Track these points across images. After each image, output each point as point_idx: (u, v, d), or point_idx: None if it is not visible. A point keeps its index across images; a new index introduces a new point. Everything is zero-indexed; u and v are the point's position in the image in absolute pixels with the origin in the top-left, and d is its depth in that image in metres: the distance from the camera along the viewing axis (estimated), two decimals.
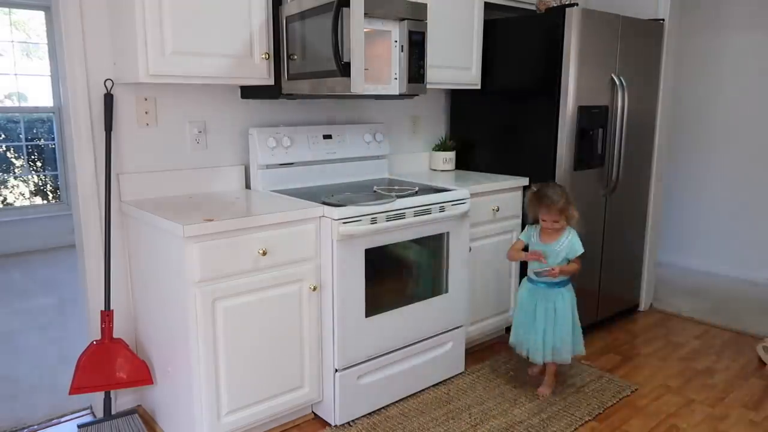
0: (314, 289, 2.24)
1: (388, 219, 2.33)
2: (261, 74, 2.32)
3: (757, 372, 2.89)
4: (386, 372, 2.49)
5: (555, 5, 3.14)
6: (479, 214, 2.80)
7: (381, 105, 3.14)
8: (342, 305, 2.27)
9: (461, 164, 3.39)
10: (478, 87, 3.16)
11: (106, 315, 2.26)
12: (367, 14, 2.19)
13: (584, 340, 2.60)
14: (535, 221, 2.56)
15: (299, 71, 2.29)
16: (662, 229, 3.97)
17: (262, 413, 2.20)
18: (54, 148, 5.48)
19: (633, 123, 3.22)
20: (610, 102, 3.07)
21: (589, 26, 2.85)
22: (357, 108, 3.04)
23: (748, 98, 4.20)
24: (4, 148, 5.34)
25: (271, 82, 2.36)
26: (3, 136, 5.30)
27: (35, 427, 2.42)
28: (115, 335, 2.30)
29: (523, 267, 2.76)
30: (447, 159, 3.31)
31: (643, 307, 3.69)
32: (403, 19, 2.42)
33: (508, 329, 3.16)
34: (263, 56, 2.30)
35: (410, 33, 2.44)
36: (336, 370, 2.32)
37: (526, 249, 2.59)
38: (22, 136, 5.35)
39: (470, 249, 2.74)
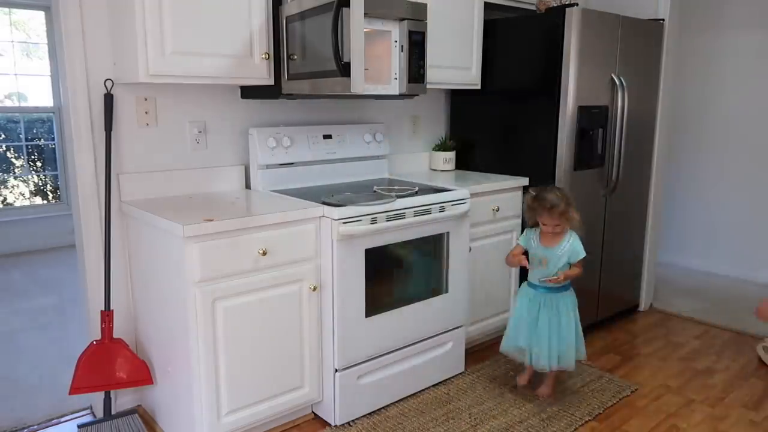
0: (314, 289, 2.24)
1: (388, 219, 2.33)
2: (261, 74, 2.32)
3: (757, 372, 2.89)
4: (386, 372, 2.49)
5: (555, 5, 3.14)
6: (479, 214, 2.80)
7: (381, 105, 3.14)
8: (342, 305, 2.27)
9: (461, 164, 3.39)
10: (478, 87, 3.16)
11: (106, 315, 2.26)
12: (367, 14, 2.19)
13: (584, 340, 2.59)
14: (534, 225, 2.51)
15: (299, 71, 2.29)
16: (662, 229, 3.97)
17: (262, 413, 2.20)
18: (54, 148, 5.48)
19: (633, 123, 3.22)
20: (610, 102, 3.07)
21: (589, 26, 2.85)
22: (357, 108, 3.04)
23: (748, 98, 4.20)
24: (4, 148, 5.34)
25: (271, 82, 2.36)
26: (3, 136, 5.30)
27: (35, 427, 2.42)
28: (115, 335, 2.30)
29: (523, 268, 2.73)
30: (447, 159, 3.31)
31: (643, 307, 3.69)
32: (403, 19, 2.42)
33: None
34: (263, 56, 2.30)
35: (410, 33, 2.44)
36: (336, 370, 2.32)
37: (525, 254, 2.53)
38: (22, 136, 5.35)
39: (470, 249, 2.74)
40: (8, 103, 5.32)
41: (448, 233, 2.60)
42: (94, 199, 2.28)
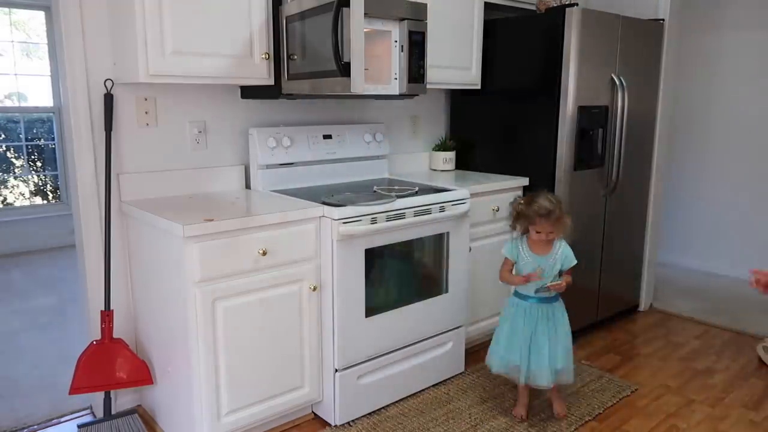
0: (314, 289, 2.24)
1: (388, 219, 2.33)
2: (261, 74, 2.32)
3: (757, 372, 2.89)
4: (386, 372, 2.49)
5: (555, 5, 3.14)
6: (479, 214, 2.80)
7: (381, 105, 3.14)
8: (342, 305, 2.27)
9: (461, 164, 3.39)
10: (478, 87, 3.16)
11: (106, 315, 2.26)
12: (367, 14, 2.19)
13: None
14: (523, 233, 2.37)
15: (299, 71, 2.29)
16: (662, 229, 3.97)
17: (262, 413, 2.20)
18: (54, 148, 5.48)
19: (633, 123, 3.22)
20: (610, 102, 3.07)
21: (589, 26, 2.85)
22: (357, 108, 3.04)
23: (748, 98, 4.20)
24: (4, 148, 5.34)
25: (271, 82, 2.36)
26: (3, 136, 5.30)
27: (35, 427, 2.42)
28: (115, 335, 2.30)
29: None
30: (447, 159, 3.31)
31: (643, 307, 3.69)
32: (403, 19, 2.42)
33: None
34: (263, 56, 2.30)
35: (410, 33, 2.44)
36: (336, 370, 2.32)
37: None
38: (22, 136, 5.35)
39: (470, 249, 2.74)
40: (8, 103, 5.32)
41: (448, 233, 2.60)
42: (94, 199, 2.28)
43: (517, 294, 2.39)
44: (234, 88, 2.58)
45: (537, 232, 2.30)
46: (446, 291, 2.64)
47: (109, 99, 2.24)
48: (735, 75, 4.26)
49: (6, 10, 5.11)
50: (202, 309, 1.98)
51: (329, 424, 2.39)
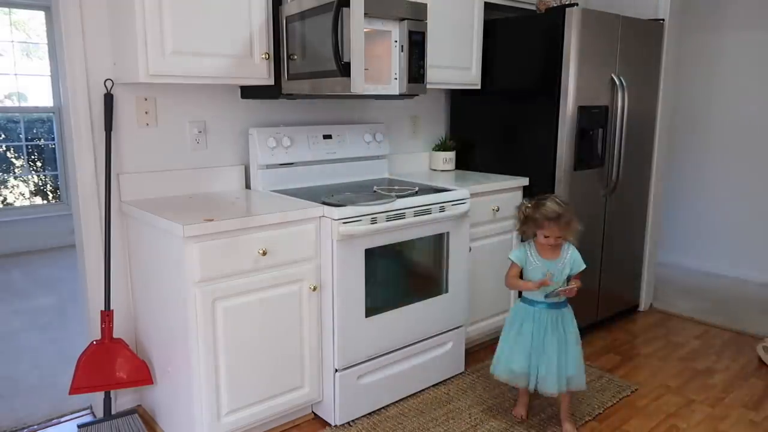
0: (314, 289, 2.24)
1: (388, 219, 2.33)
2: (261, 74, 2.32)
3: (757, 372, 2.89)
4: (386, 372, 2.49)
5: (555, 5, 3.14)
6: (479, 214, 2.80)
7: (381, 105, 3.14)
8: (342, 305, 2.27)
9: (461, 164, 3.39)
10: (478, 87, 3.16)
11: (106, 315, 2.26)
12: (367, 14, 2.19)
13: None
14: (527, 238, 2.32)
15: (299, 71, 2.29)
16: (662, 229, 3.97)
17: (262, 413, 2.20)
18: (54, 148, 5.48)
19: (633, 123, 3.22)
20: (610, 102, 3.07)
21: (589, 26, 2.85)
22: (357, 108, 3.04)
23: (748, 98, 4.21)
24: (4, 148, 5.34)
25: (271, 82, 2.36)
26: (3, 136, 5.30)
27: (35, 427, 2.42)
28: (115, 335, 2.30)
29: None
30: (447, 159, 3.31)
31: (643, 307, 3.69)
32: (403, 19, 2.42)
33: None
34: (263, 56, 2.30)
35: (410, 33, 2.44)
36: (336, 370, 2.32)
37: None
38: (22, 136, 5.35)
39: (470, 249, 2.74)
40: (8, 103, 5.32)
41: (448, 233, 2.60)
42: (94, 199, 2.28)
43: (524, 299, 2.33)
44: (234, 88, 2.58)
45: (545, 236, 2.23)
46: (446, 291, 2.64)
47: (109, 99, 2.24)
48: (735, 75, 4.26)
49: (6, 10, 5.11)
50: (202, 309, 1.98)
51: (329, 424, 2.39)
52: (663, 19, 3.36)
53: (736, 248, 4.34)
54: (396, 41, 2.44)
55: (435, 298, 2.60)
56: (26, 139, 5.38)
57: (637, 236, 3.54)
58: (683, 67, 4.33)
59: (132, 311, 2.43)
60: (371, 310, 2.37)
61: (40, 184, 5.55)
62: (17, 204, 5.38)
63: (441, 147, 3.35)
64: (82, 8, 2.17)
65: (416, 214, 2.42)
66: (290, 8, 2.27)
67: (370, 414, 2.45)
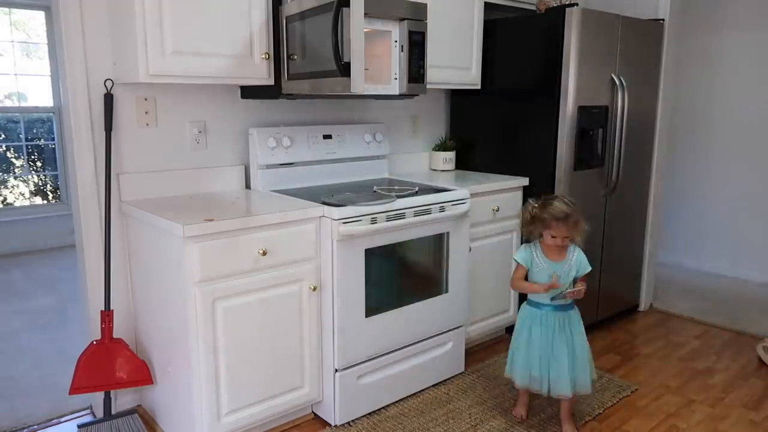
0: (314, 289, 2.24)
1: (388, 219, 2.33)
2: (261, 74, 2.32)
3: (757, 372, 2.89)
4: (386, 372, 2.49)
5: (555, 5, 3.14)
6: (479, 214, 2.80)
7: (381, 105, 3.14)
8: (342, 305, 2.27)
9: (461, 164, 3.39)
10: (478, 87, 3.16)
11: (106, 315, 2.26)
12: (367, 14, 2.19)
13: None
14: (534, 238, 2.29)
15: (299, 71, 2.29)
16: (662, 229, 3.97)
17: (262, 413, 2.20)
18: (54, 148, 5.49)
19: (633, 123, 3.22)
20: (610, 102, 3.07)
21: (589, 26, 2.85)
22: (357, 108, 3.04)
23: (748, 98, 4.21)
24: (4, 148, 5.34)
25: (271, 82, 2.36)
26: (3, 136, 5.30)
27: (35, 427, 2.42)
28: (115, 335, 2.30)
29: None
30: (447, 159, 3.31)
31: (643, 307, 3.69)
32: (403, 19, 2.42)
33: (507, 329, 3.17)
34: (263, 56, 2.30)
35: (410, 33, 2.44)
36: (336, 370, 2.32)
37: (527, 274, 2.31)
38: (22, 136, 5.35)
39: (470, 249, 2.74)
40: (8, 103, 5.32)
41: (448, 233, 2.60)
42: (94, 199, 2.28)
43: (530, 302, 2.31)
44: (234, 88, 2.58)
45: (552, 237, 2.20)
46: (446, 291, 2.64)
47: (109, 99, 2.24)
48: (735, 75, 4.26)
49: (6, 10, 5.11)
50: (202, 309, 1.98)
51: (329, 424, 2.39)
52: (663, 19, 3.36)
53: (736, 248, 4.34)
54: (396, 41, 2.44)
55: (435, 298, 2.60)
56: (26, 139, 5.38)
57: (637, 236, 3.54)
58: (683, 67, 4.33)
59: (132, 311, 2.43)
60: (371, 310, 2.37)
61: (40, 184, 5.55)
62: (17, 204, 5.39)
63: (441, 147, 3.35)
64: (82, 8, 2.17)
65: (416, 214, 2.42)
66: (290, 8, 2.27)
67: (370, 414, 2.45)
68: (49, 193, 5.57)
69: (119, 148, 2.33)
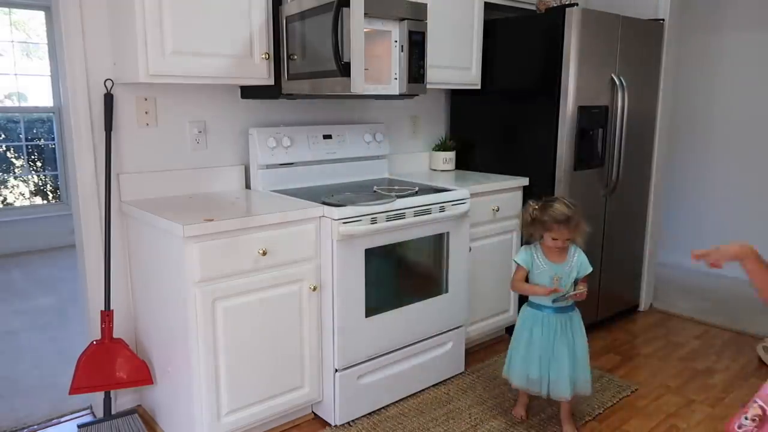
0: (314, 289, 2.24)
1: (388, 219, 2.33)
2: (261, 74, 2.32)
3: (757, 372, 2.89)
4: (386, 372, 2.49)
5: (555, 5, 3.14)
6: (479, 214, 2.80)
7: (381, 105, 3.14)
8: (342, 305, 2.27)
9: (461, 164, 3.39)
10: (478, 87, 3.16)
11: (106, 315, 2.26)
12: (367, 14, 2.19)
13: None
14: (538, 239, 2.28)
15: (299, 71, 2.29)
16: (662, 229, 3.97)
17: (262, 413, 2.20)
18: (54, 148, 5.48)
19: (633, 123, 3.22)
20: (610, 102, 3.07)
21: (589, 26, 2.85)
22: (357, 108, 3.04)
23: (748, 98, 4.21)
24: (4, 148, 5.34)
25: (271, 82, 2.36)
26: (3, 136, 5.30)
27: (35, 427, 2.42)
28: (115, 335, 2.30)
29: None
30: (447, 159, 3.31)
31: (643, 307, 3.69)
32: (403, 19, 2.42)
33: (507, 329, 3.17)
34: (263, 56, 2.30)
35: (410, 33, 2.44)
36: (336, 370, 2.32)
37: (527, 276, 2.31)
38: (22, 136, 5.35)
39: (470, 249, 2.74)
40: (8, 103, 5.32)
41: (448, 233, 2.60)
42: (94, 199, 2.28)
43: (531, 304, 2.31)
44: (234, 88, 2.58)
45: (553, 239, 2.19)
46: (446, 291, 2.64)
47: (109, 99, 2.24)
48: (735, 75, 4.26)
49: (6, 10, 5.11)
50: (202, 309, 1.97)
51: (329, 424, 2.39)
52: (663, 19, 3.36)
53: None
54: (396, 41, 2.44)
55: (435, 298, 2.60)
56: (26, 139, 5.38)
57: (637, 236, 3.54)
58: (683, 67, 4.33)
59: (132, 311, 2.43)
60: (371, 310, 2.37)
61: (40, 184, 5.55)
62: (17, 204, 5.39)
63: (441, 147, 3.35)
64: (82, 8, 2.17)
65: (416, 214, 2.42)
66: (290, 8, 2.27)
67: (370, 414, 2.45)
68: (49, 193, 5.57)
69: (119, 148, 2.33)
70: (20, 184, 5.44)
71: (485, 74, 3.17)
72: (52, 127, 5.43)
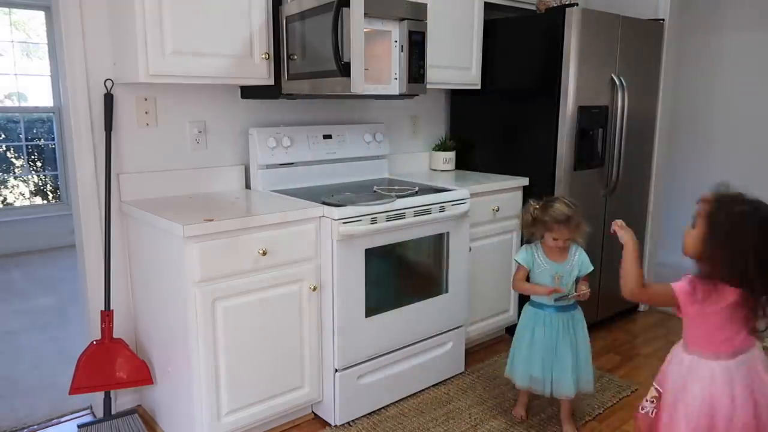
0: (314, 289, 2.24)
1: (388, 219, 2.33)
2: (261, 74, 2.32)
3: None
4: (386, 372, 2.49)
5: (555, 5, 3.14)
6: (479, 214, 2.80)
7: (381, 105, 3.14)
8: (342, 305, 2.27)
9: (461, 164, 3.39)
10: (478, 87, 3.16)
11: (106, 315, 2.26)
12: (367, 14, 2.19)
13: None
14: (539, 239, 2.28)
15: (299, 71, 2.29)
16: (662, 229, 3.97)
17: (262, 413, 2.20)
18: (54, 148, 5.49)
19: (633, 123, 3.22)
20: (610, 102, 3.07)
21: (589, 26, 2.85)
22: (357, 108, 3.04)
23: (748, 98, 4.20)
24: (4, 148, 5.34)
25: (271, 82, 2.36)
26: (3, 136, 5.30)
27: (35, 427, 2.42)
28: (115, 335, 2.30)
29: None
30: (447, 159, 3.31)
31: (643, 307, 3.69)
32: (403, 19, 2.42)
33: (507, 329, 3.17)
34: (263, 56, 2.30)
35: (410, 33, 2.44)
36: (336, 370, 2.32)
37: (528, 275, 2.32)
38: (22, 136, 5.35)
39: (470, 249, 2.74)
40: (8, 103, 5.33)
41: (448, 233, 2.60)
42: (94, 199, 2.28)
43: (533, 303, 2.31)
44: (234, 88, 2.58)
45: (554, 239, 2.19)
46: (446, 291, 2.64)
47: (109, 99, 2.24)
48: (735, 75, 4.25)
49: (6, 10, 5.11)
50: (202, 309, 1.98)
51: (329, 424, 2.39)
52: (663, 19, 3.36)
53: None
54: (396, 41, 2.44)
55: (435, 298, 2.60)
56: (26, 139, 5.38)
57: (638, 236, 3.52)
58: (683, 67, 4.33)
59: (132, 311, 2.43)
60: (371, 310, 2.37)
61: (40, 184, 5.55)
62: (17, 204, 5.39)
63: (441, 147, 3.35)
64: (82, 8, 2.17)
65: (416, 214, 2.42)
66: (290, 8, 2.27)
67: (370, 414, 2.45)
68: (49, 193, 5.57)
69: (119, 148, 2.33)
70: (20, 184, 5.44)
71: (485, 74, 3.17)
72: (52, 127, 5.43)
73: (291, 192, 2.54)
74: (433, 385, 2.68)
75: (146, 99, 2.36)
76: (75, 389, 2.19)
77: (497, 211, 2.90)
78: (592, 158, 3.06)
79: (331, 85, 2.15)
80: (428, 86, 2.63)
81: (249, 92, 2.55)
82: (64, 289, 4.16)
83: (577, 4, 2.80)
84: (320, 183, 2.77)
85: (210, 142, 2.56)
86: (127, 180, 2.33)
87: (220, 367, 2.05)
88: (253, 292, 2.09)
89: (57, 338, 3.33)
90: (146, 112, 2.37)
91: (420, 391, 2.63)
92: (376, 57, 2.42)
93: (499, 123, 3.20)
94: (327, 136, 2.78)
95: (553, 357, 2.24)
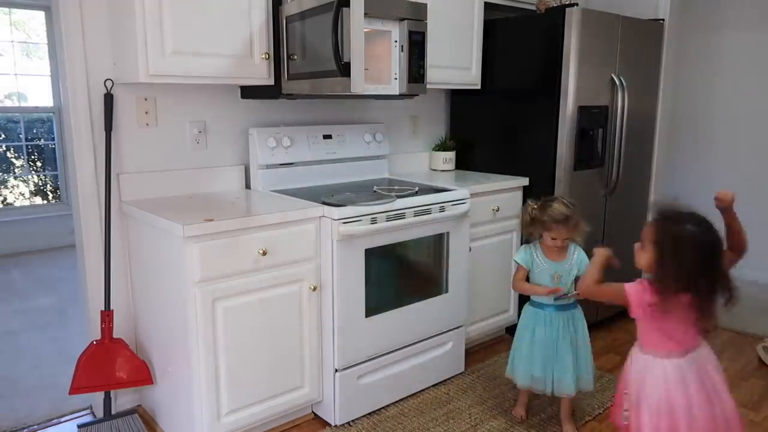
0: (314, 289, 2.24)
1: (388, 219, 2.33)
2: (261, 74, 2.32)
3: (757, 372, 2.89)
4: (386, 372, 2.49)
5: (555, 5, 3.14)
6: (479, 214, 2.80)
7: (381, 105, 3.14)
8: (342, 305, 2.27)
9: (461, 164, 3.39)
10: (478, 87, 3.16)
11: (106, 315, 2.26)
12: (367, 14, 2.19)
13: None
14: (537, 239, 2.28)
15: (299, 71, 2.29)
16: None
17: (262, 413, 2.20)
18: (54, 148, 5.49)
19: (633, 123, 3.22)
20: (610, 102, 3.07)
21: (589, 26, 2.85)
22: (357, 108, 3.04)
23: (748, 98, 4.20)
24: (4, 148, 5.34)
25: (271, 82, 2.36)
26: (3, 136, 5.30)
27: (35, 427, 2.42)
28: (115, 335, 2.30)
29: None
30: (447, 159, 3.31)
31: None
32: (403, 19, 2.42)
33: (507, 329, 3.17)
34: (263, 56, 2.30)
35: (410, 33, 2.44)
36: (336, 370, 2.32)
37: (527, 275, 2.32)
38: (22, 136, 5.35)
39: (470, 249, 2.74)
40: (8, 103, 5.33)
41: (448, 233, 2.60)
42: (94, 199, 2.28)
43: (533, 303, 2.32)
44: (234, 88, 2.58)
45: (553, 239, 2.20)
46: (446, 291, 2.64)
47: (109, 99, 2.24)
48: (735, 75, 4.26)
49: (6, 10, 5.11)
50: (202, 309, 1.97)
51: (329, 424, 2.39)
52: (663, 19, 3.36)
53: None
54: (396, 41, 2.44)
55: (435, 298, 2.60)
56: (26, 139, 5.38)
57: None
58: (683, 67, 4.33)
59: (132, 311, 2.43)
60: (371, 310, 2.37)
61: (40, 184, 5.55)
62: (17, 204, 5.39)
63: (441, 147, 3.35)
64: (82, 8, 2.17)
65: (416, 214, 2.42)
66: (290, 8, 2.27)
67: (370, 414, 2.45)
68: (49, 193, 5.57)
69: (119, 148, 2.33)
70: (20, 184, 5.44)
71: (485, 74, 3.16)
72: (52, 127, 5.43)
73: (291, 192, 2.54)
74: (433, 385, 2.68)
75: (146, 99, 2.36)
76: (75, 389, 2.20)
77: (497, 211, 2.90)
78: (592, 158, 3.06)
79: (331, 85, 2.15)
80: (428, 86, 2.63)
81: (249, 92, 2.55)
82: (64, 289, 4.16)
83: (577, 4, 2.80)
84: (320, 183, 2.77)
85: (210, 142, 2.56)
86: (127, 180, 2.33)
87: (220, 367, 2.05)
88: (253, 292, 2.09)
89: (57, 338, 3.33)
90: (146, 112, 2.37)
91: (420, 391, 2.63)
92: (376, 57, 2.42)
93: (499, 123, 3.20)
94: (327, 136, 2.78)
95: (554, 356, 2.25)
